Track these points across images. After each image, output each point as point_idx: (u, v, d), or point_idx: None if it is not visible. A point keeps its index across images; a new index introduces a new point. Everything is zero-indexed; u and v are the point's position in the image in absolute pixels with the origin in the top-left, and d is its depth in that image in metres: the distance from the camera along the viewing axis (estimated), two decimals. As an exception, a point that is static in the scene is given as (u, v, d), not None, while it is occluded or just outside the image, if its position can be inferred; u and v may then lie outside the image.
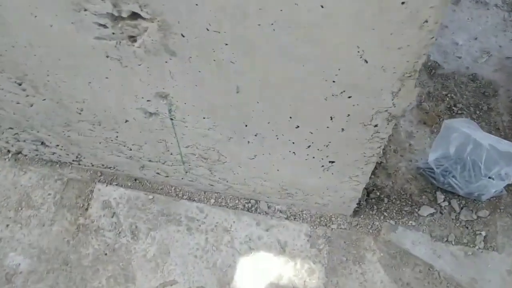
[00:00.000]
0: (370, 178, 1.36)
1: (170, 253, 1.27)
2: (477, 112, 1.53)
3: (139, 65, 0.91)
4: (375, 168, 1.42)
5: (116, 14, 0.80)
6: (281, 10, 0.71)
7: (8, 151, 1.40)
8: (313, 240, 1.29)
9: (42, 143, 1.31)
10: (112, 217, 1.31)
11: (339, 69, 0.81)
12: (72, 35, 0.87)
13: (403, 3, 0.67)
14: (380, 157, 1.44)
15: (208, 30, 0.78)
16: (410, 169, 1.42)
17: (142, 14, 0.79)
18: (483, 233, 1.31)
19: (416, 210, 1.35)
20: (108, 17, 0.81)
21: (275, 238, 1.29)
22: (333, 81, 0.84)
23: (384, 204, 1.36)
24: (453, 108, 1.54)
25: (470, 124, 1.29)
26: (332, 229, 1.31)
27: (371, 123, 0.93)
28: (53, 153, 1.35)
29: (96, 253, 1.27)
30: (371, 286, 1.24)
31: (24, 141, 1.31)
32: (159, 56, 0.87)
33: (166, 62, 0.88)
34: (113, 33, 0.84)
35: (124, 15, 0.80)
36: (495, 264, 1.27)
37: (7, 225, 1.30)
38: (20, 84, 1.06)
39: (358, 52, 0.76)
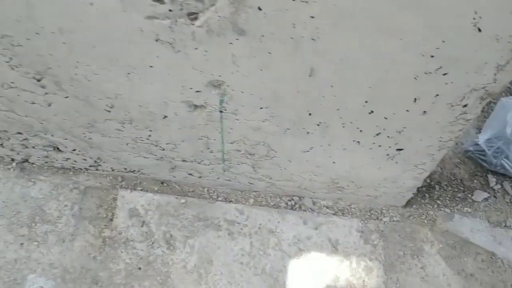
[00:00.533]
0: (416, 164, 1.26)
1: (213, 262, 1.13)
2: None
3: (196, 49, 0.76)
4: (420, 153, 1.32)
5: (178, -15, 0.66)
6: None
7: (12, 159, 1.22)
8: (366, 236, 1.19)
9: (55, 148, 1.14)
10: (142, 226, 1.17)
11: (443, 41, 0.70)
12: (116, 15, 0.72)
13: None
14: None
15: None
16: (457, 152, 1.34)
17: (213, -16, 0.65)
18: (538, 215, 1.24)
19: (469, 195, 1.27)
20: (166, -10, 0.67)
21: (326, 237, 1.18)
22: (431, 56, 0.73)
23: (436, 192, 1.27)
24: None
25: (525, 100, 1.21)
26: (384, 222, 1.21)
27: (461, 103, 0.82)
28: (67, 159, 1.18)
29: (128, 268, 1.12)
30: (434, 280, 1.14)
31: (33, 147, 1.14)
32: (223, 36, 0.73)
33: (230, 43, 0.74)
34: (170, 10, 0.70)
35: (189, -14, 0.66)
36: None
37: (21, 244, 1.13)
38: (39, 80, 0.89)
39: (474, 19, 0.65)
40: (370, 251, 1.17)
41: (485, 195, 1.27)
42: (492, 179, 1.29)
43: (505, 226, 1.23)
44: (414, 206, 1.24)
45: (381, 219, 1.22)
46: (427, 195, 1.26)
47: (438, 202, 1.25)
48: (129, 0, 0.69)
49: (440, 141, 0.93)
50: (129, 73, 0.84)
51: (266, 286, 1.12)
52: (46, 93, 0.93)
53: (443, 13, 0.65)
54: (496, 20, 0.65)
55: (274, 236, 1.18)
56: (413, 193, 1.21)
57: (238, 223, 1.19)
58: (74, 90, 0.91)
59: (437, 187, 1.27)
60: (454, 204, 1.25)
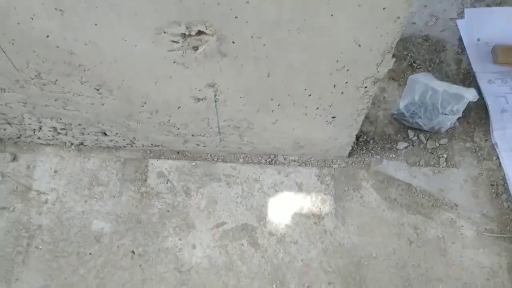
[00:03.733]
0: (357, 127, 1.79)
1: (217, 203, 1.66)
2: (432, 65, 1.97)
3: (197, 66, 1.27)
4: (360, 118, 1.84)
5: (187, 33, 1.16)
6: (304, 20, 1.10)
7: (72, 143, 1.73)
8: (322, 178, 1.71)
9: (103, 133, 1.65)
10: (167, 183, 1.69)
11: (341, 52, 1.21)
12: (150, 50, 1.22)
13: (384, 8, 1.06)
14: (362, 110, 1.86)
15: (252, 37, 1.16)
16: (387, 116, 1.85)
17: (206, 31, 1.15)
18: (445, 156, 1.77)
19: (395, 146, 1.79)
20: (180, 35, 1.17)
21: (294, 181, 1.71)
22: (337, 61, 1.23)
23: (370, 145, 1.79)
24: (413, 64, 1.97)
25: (427, 76, 1.71)
26: (334, 168, 1.74)
27: (362, 86, 1.33)
28: (111, 140, 1.70)
29: (160, 212, 1.65)
30: (368, 204, 1.67)
31: (88, 134, 1.65)
32: (213, 58, 1.24)
33: (218, 61, 1.25)
34: (182, 46, 1.20)
35: (193, 33, 1.16)
36: (454, 177, 1.73)
37: (85, 201, 1.66)
38: (98, 90, 1.40)
39: (355, 40, 1.16)
40: (324, 188, 1.70)
41: (405, 144, 1.79)
42: (411, 133, 1.81)
43: (419, 165, 1.75)
44: (355, 156, 1.77)
45: (332, 166, 1.75)
46: (364, 147, 1.78)
47: (372, 152, 1.78)
48: (158, 42, 1.19)
49: (357, 110, 1.45)
50: (156, 82, 1.35)
51: (254, 216, 1.65)
52: (102, 97, 1.44)
53: (338, 37, 1.16)
54: (367, 40, 1.16)
55: (258, 183, 1.70)
56: (352, 147, 1.73)
57: (233, 176, 1.71)
58: (120, 94, 1.42)
59: (371, 141, 1.80)
60: (383, 152, 1.77)
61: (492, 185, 1.72)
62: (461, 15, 2.08)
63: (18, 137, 1.72)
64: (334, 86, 1.34)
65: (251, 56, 1.23)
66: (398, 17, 1.08)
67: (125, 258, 1.55)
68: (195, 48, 1.21)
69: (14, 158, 1.72)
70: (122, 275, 1.53)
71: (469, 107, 1.87)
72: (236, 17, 1.10)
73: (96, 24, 1.15)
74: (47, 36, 1.20)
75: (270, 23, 1.11)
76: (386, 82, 1.91)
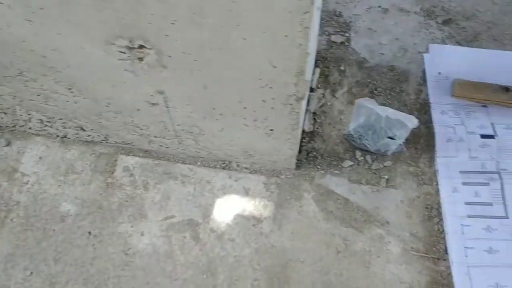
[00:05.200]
0: (310, 143, 1.96)
1: (171, 198, 1.87)
2: (392, 93, 2.11)
3: (144, 74, 1.50)
4: (314, 136, 2.01)
5: (130, 46, 1.39)
6: (222, 42, 1.30)
7: (57, 135, 2.00)
8: (268, 186, 1.89)
9: (81, 128, 1.91)
10: (130, 176, 1.92)
11: (260, 72, 1.40)
12: (104, 58, 1.46)
13: (285, 36, 1.25)
14: (317, 128, 2.03)
15: (184, 53, 1.38)
16: (339, 136, 2.01)
17: (146, 45, 1.38)
18: (386, 177, 1.90)
19: (341, 163, 1.94)
20: (125, 47, 1.40)
21: (242, 186, 1.89)
22: (260, 79, 1.43)
23: (318, 161, 1.95)
24: (374, 91, 2.12)
25: (371, 101, 1.87)
26: (281, 178, 1.91)
27: (287, 103, 1.51)
28: (89, 135, 1.95)
29: (120, 201, 1.87)
30: (306, 214, 1.83)
31: (69, 127, 1.92)
32: (156, 68, 1.46)
33: (161, 72, 1.47)
34: (129, 56, 1.44)
35: (135, 46, 1.39)
36: (392, 197, 1.86)
37: (59, 185, 1.91)
38: (70, 89, 1.66)
39: (269, 62, 1.35)
40: (269, 195, 1.88)
41: (351, 163, 1.94)
42: (358, 154, 1.96)
43: (360, 183, 1.89)
44: (302, 169, 1.93)
45: (279, 176, 1.92)
46: (312, 162, 1.94)
47: (318, 167, 1.93)
48: (108, 51, 1.43)
49: (290, 124, 1.62)
50: (114, 86, 1.59)
51: (201, 213, 1.84)
52: (74, 96, 1.69)
53: (254, 59, 1.35)
54: (280, 62, 1.35)
55: (209, 185, 1.90)
56: (300, 160, 1.91)
57: (188, 176, 1.92)
58: (88, 94, 1.67)
59: (319, 157, 1.95)
60: (328, 168, 1.93)
61: (427, 208, 1.83)
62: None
63: (14, 126, 2.01)
64: (264, 101, 1.53)
65: (187, 69, 1.44)
66: (300, 44, 1.27)
67: (82, 237, 1.78)
68: (140, 59, 1.45)
69: (8, 144, 2.00)
70: (76, 251, 1.76)
71: (420, 134, 2.01)
72: (166, 35, 1.32)
73: (58, 34, 1.40)
74: (23, 41, 1.47)
75: (195, 42, 1.33)
76: (345, 106, 2.08)
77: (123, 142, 1.96)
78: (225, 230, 1.81)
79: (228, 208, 1.85)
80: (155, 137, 1.86)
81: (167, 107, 1.65)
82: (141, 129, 1.83)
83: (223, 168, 1.94)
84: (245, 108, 1.58)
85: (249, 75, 1.42)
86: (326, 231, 1.80)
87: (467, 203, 1.81)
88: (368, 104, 1.86)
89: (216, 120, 1.68)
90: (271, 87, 1.45)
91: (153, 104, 1.65)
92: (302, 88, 1.44)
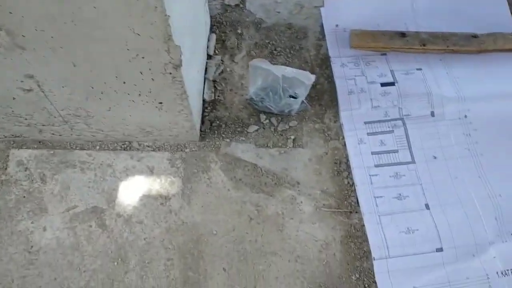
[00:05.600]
0: (213, 112, 1.89)
1: (70, 188, 1.76)
2: (292, 51, 2.06)
3: (5, 59, 1.37)
4: (216, 103, 1.94)
5: (-21, 28, 1.26)
6: (73, 13, 1.20)
7: None
8: (173, 162, 1.82)
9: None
10: (25, 171, 1.80)
11: (126, 42, 1.30)
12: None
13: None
14: (219, 96, 1.96)
15: (36, 30, 1.26)
16: (242, 101, 1.95)
17: (-8, 26, 1.25)
18: (293, 137, 1.86)
19: (246, 129, 1.89)
20: (-26, 31, 1.27)
21: (145, 165, 1.81)
22: (128, 49, 1.33)
23: (223, 129, 1.89)
24: (274, 51, 2.06)
25: (265, 62, 1.81)
26: (186, 152, 1.84)
27: (167, 72, 1.43)
28: (-27, 132, 1.81)
29: (17, 198, 1.75)
30: (215, 185, 1.77)
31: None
32: (15, 51, 1.34)
33: (21, 54, 1.35)
34: (-17, 40, 1.31)
35: (-15, 28, 1.26)
36: (300, 157, 1.83)
37: None
38: None
39: (131, 29, 1.25)
40: (174, 171, 1.81)
41: (256, 127, 1.88)
42: (263, 116, 1.91)
43: (267, 146, 1.85)
44: (207, 140, 1.87)
45: (184, 150, 1.85)
46: (216, 131, 1.88)
47: (223, 135, 1.87)
48: (-44, 38, 1.29)
49: (177, 94, 1.54)
50: (-22, 75, 1.46)
51: (104, 199, 1.75)
52: None
53: (118, 29, 1.25)
54: (145, 29, 1.26)
55: (110, 168, 1.81)
56: (204, 131, 1.84)
57: (87, 162, 1.82)
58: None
59: (223, 126, 1.89)
60: (234, 136, 1.87)
61: (335, 163, 1.81)
62: (326, 3, 2.17)
63: None
64: (141, 73, 1.43)
65: (48, 48, 1.33)
66: (156, 7, 1.18)
67: (-24, 241, 1.66)
68: (-5, 43, 1.32)
69: None
70: (-28, 256, 1.64)
71: (323, 90, 1.97)
72: (10, 13, 1.20)
73: None
74: None
75: (45, 17, 1.21)
76: (245, 70, 2.01)
77: (12, 135, 1.82)
78: (132, 213, 1.73)
79: (133, 190, 1.77)
80: (43, 125, 1.74)
81: (43, 91, 1.53)
82: (26, 119, 1.70)
83: (124, 149, 1.85)
84: (124, 83, 1.48)
85: (117, 47, 1.32)
86: (237, 199, 1.75)
87: (374, 153, 1.80)
88: (262, 65, 1.80)
89: (100, 100, 1.57)
90: (143, 57, 1.36)
91: (28, 90, 1.53)
92: (175, 54, 1.36)
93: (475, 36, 2.02)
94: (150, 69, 1.42)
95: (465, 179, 1.74)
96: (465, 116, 1.86)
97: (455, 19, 2.10)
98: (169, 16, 1.22)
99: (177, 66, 1.41)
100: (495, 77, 1.94)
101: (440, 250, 1.61)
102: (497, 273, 1.57)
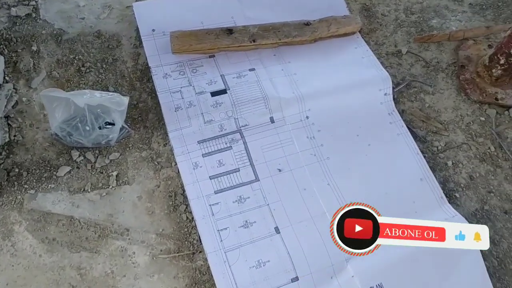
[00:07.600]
0: (9, 157, 1.51)
1: None
2: (104, 65, 1.72)
3: None
4: (13, 147, 1.55)
5: None
6: None
7: None
8: (-40, 234, 1.41)
9: None
10: None
11: None
12: None
13: None
14: (15, 135, 1.57)
15: None
16: (47, 137, 1.58)
17: None
18: (115, 173, 1.55)
19: (55, 173, 1.53)
20: None
21: None
22: None
23: (24, 178, 1.51)
24: (82, 68, 1.70)
25: (58, 91, 1.45)
26: (-22, 217, 1.44)
27: None
28: None
29: None
30: (22, 253, 1.42)
31: None
32: None
33: None
34: None
35: None
36: (126, 196, 1.53)
37: None
38: None
39: None
40: (-36, 246, 1.41)
41: (68, 169, 1.54)
42: (75, 153, 1.56)
43: (84, 191, 1.52)
44: (5, 195, 1.48)
45: (-25, 215, 1.45)
46: (16, 183, 1.50)
47: (26, 186, 1.50)
48: None
49: None
50: None
51: None
52: None
53: None
54: None
55: None
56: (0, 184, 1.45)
57: None
58: None
59: (25, 173, 1.52)
60: (40, 184, 1.51)
61: (170, 196, 1.55)
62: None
63: None
64: None
65: None
66: None
67: None
68: None
69: None
70: None
71: (147, 108, 1.68)
72: None
73: None
74: None
75: None
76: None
77: None
78: None
79: None
80: None
81: None
82: None
83: None
84: None
85: None
86: (53, 266, 1.41)
87: (212, 177, 1.56)
88: (57, 94, 1.44)
89: None
90: None
91: None
92: None
93: (308, 24, 1.84)
94: None
95: (314, 190, 1.57)
96: (307, 117, 1.69)
97: (287, 7, 1.91)
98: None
99: None
100: (331, 67, 1.79)
101: (295, 279, 1.44)
102: (357, 292, 1.44)
